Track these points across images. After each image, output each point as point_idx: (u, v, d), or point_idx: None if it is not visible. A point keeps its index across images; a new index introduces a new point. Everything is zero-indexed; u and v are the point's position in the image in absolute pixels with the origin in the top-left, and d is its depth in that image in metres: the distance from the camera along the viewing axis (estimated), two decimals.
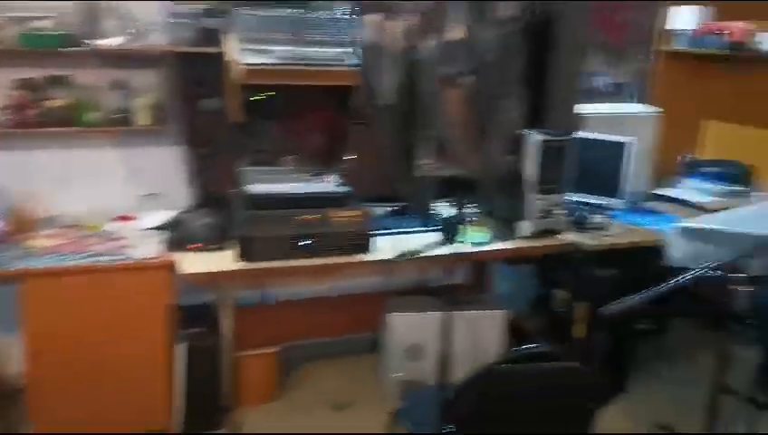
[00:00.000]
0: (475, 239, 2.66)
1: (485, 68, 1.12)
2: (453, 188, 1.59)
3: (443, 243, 1.89)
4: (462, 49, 1.11)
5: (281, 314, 3.07)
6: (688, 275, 1.55)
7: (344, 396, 2.93)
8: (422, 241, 2.01)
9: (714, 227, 2.35)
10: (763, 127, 3.52)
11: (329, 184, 2.49)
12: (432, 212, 1.70)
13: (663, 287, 1.60)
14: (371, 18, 1.17)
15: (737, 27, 3.27)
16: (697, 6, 3.43)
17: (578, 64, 1.26)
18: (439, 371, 1.97)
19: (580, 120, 2.36)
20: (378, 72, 1.16)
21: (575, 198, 3.13)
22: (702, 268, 1.53)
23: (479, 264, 3.22)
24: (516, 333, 3.21)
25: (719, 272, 1.56)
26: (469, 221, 2.82)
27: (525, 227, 2.74)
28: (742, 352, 3.36)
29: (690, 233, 2.44)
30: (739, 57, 3.43)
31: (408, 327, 2.80)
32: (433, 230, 2.13)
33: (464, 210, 1.66)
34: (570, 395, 1.81)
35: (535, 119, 1.17)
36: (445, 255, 2.50)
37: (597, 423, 1.84)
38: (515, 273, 3.48)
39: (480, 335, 2.84)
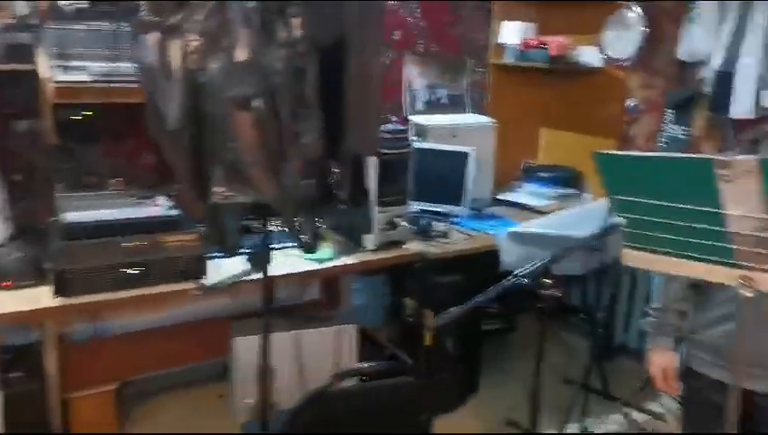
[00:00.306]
0: (320, 256, 2.64)
1: (276, 90, 1.09)
2: (258, 214, 1.55)
3: (251, 270, 1.84)
4: (251, 71, 1.07)
5: (120, 348, 2.87)
6: (504, 284, 1.60)
7: (191, 428, 2.79)
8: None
9: (538, 230, 2.50)
10: (587, 133, 3.80)
11: (158, 207, 2.36)
12: (236, 238, 1.64)
13: (483, 296, 1.64)
14: (151, 37, 1.10)
15: (555, 42, 3.51)
16: (522, 23, 3.65)
17: (376, 82, 1.27)
18: (261, 395, 1.91)
19: (380, 138, 2.41)
20: (163, 95, 1.10)
21: (420, 207, 3.21)
22: (515, 276, 1.59)
23: (330, 279, 3.20)
24: (371, 345, 3.23)
25: (532, 275, 1.62)
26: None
27: (370, 240, 2.76)
28: (580, 343, 3.64)
29: (518, 237, 2.57)
30: (561, 69, 3.68)
31: (255, 350, 2.71)
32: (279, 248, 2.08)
33: (271, 234, 1.62)
34: (405, 411, 1.83)
35: (335, 139, 1.16)
36: (287, 274, 2.46)
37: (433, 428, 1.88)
38: (370, 284, 3.50)
39: (330, 353, 2.82)
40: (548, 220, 2.77)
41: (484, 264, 2.89)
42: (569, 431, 2.83)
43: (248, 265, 1.85)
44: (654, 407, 3.12)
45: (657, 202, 1.29)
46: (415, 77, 3.55)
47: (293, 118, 1.10)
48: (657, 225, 1.32)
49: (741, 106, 2.95)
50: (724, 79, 3.02)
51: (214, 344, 2.90)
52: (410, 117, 3.48)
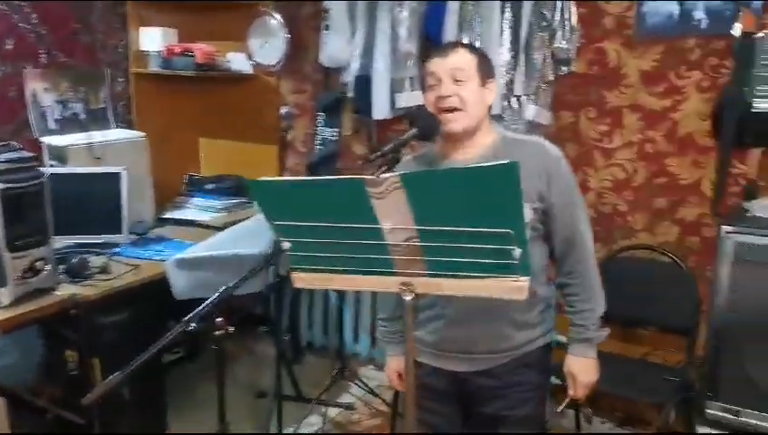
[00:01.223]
0: None
1: None
2: None
3: None
4: None
5: None
6: (169, 337, 1.41)
7: None
8: None
9: (206, 253, 2.35)
10: (248, 140, 3.77)
11: None
12: None
13: (144, 356, 1.42)
14: None
15: (200, 49, 3.37)
16: (162, 28, 3.41)
17: None
18: None
19: None
20: None
21: (71, 242, 2.78)
22: (182, 323, 1.40)
23: None
24: (28, 411, 2.70)
25: (200, 318, 1.45)
26: None
27: (3, 294, 2.27)
28: (271, 352, 3.62)
29: (186, 263, 2.39)
30: (212, 76, 3.56)
31: None
32: None
33: None
34: None
35: None
36: None
37: None
38: (20, 340, 2.92)
39: None
40: (218, 239, 2.63)
41: (156, 294, 2.64)
42: None
43: None
44: (345, 398, 3.26)
45: (318, 224, 1.25)
46: (41, 92, 3.04)
47: None
48: (323, 245, 1.29)
49: (379, 108, 3.22)
50: (363, 83, 3.26)
51: None
52: (42, 139, 2.98)
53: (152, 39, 3.37)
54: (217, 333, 1.43)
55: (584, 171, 2.88)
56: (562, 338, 2.69)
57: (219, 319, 1.42)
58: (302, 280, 1.39)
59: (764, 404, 2.12)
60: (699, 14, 2.53)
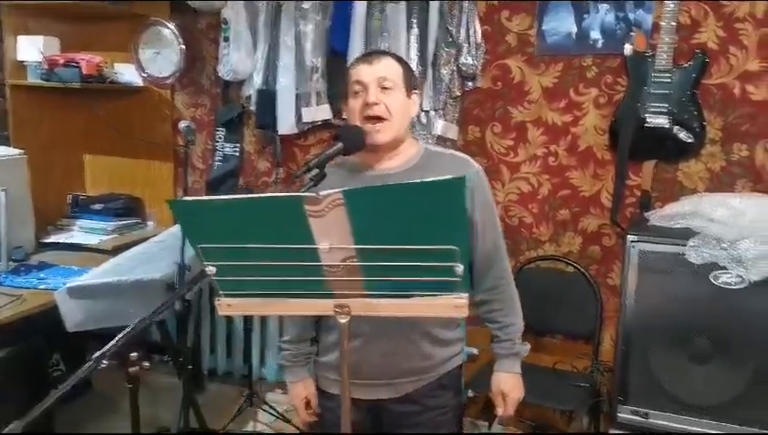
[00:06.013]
0: None
1: None
2: None
3: None
4: None
5: None
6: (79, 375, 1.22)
7: None
8: None
9: (104, 280, 2.14)
10: (140, 157, 3.54)
11: None
12: None
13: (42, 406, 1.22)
14: None
15: (86, 59, 3.12)
16: (42, 37, 3.12)
17: None
18: None
19: None
20: None
21: None
22: (93, 360, 1.22)
23: None
24: None
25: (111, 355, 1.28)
26: None
27: None
28: (169, 383, 3.37)
29: (81, 292, 2.16)
30: (100, 89, 3.30)
31: None
32: None
33: None
34: None
35: None
36: None
37: None
38: None
39: None
40: (113, 264, 2.41)
41: (45, 326, 2.39)
42: None
43: None
44: (253, 426, 3.11)
45: (248, 246, 1.15)
46: None
47: None
48: (252, 269, 1.19)
49: (285, 123, 3.12)
50: (267, 97, 3.15)
51: None
52: None
53: (31, 48, 3.08)
54: (132, 369, 1.27)
55: (492, 185, 2.90)
56: (473, 350, 2.74)
57: (134, 354, 1.27)
58: (229, 307, 1.28)
59: (670, 405, 2.23)
60: (596, 35, 2.66)
